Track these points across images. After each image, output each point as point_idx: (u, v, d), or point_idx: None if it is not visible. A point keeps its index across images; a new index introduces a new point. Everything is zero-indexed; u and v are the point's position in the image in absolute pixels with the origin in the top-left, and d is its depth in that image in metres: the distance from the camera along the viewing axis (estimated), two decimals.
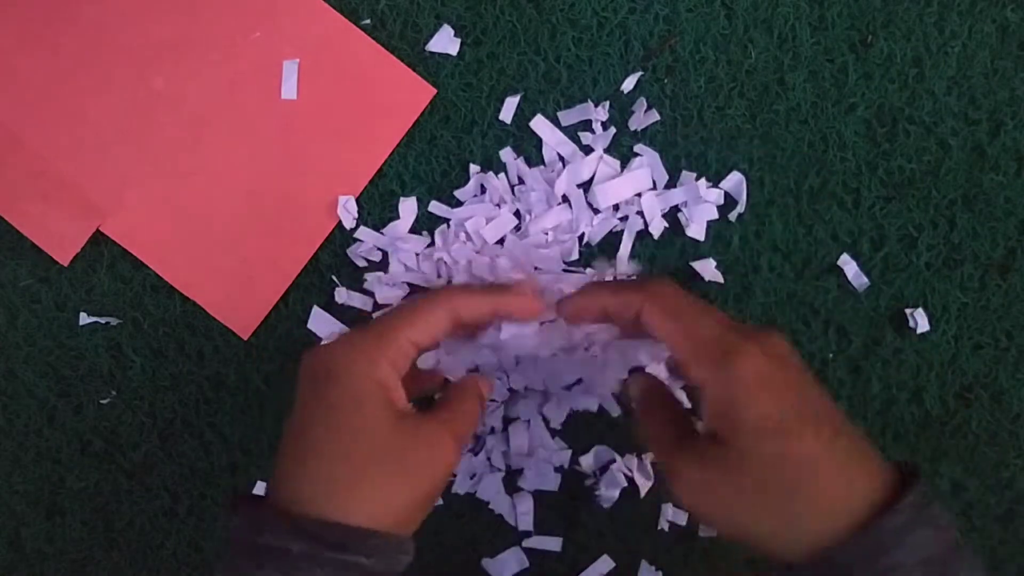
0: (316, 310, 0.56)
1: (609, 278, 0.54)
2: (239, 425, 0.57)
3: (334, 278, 0.56)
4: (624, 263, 0.55)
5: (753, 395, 0.35)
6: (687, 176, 0.55)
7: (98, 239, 0.56)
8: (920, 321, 0.55)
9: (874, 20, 0.55)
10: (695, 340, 0.37)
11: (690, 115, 0.56)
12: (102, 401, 0.57)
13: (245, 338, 0.56)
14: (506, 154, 0.55)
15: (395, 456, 0.38)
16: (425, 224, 0.56)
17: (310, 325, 0.56)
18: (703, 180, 0.55)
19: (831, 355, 0.57)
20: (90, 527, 0.58)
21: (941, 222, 0.56)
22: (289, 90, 0.55)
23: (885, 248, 0.56)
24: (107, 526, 0.58)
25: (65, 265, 0.56)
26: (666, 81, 0.56)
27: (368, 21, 0.56)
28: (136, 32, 0.55)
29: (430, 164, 0.56)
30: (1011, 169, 0.56)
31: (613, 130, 0.55)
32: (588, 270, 0.55)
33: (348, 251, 0.56)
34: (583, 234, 0.55)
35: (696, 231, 0.55)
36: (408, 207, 0.56)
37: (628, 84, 0.55)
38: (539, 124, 0.55)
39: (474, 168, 0.56)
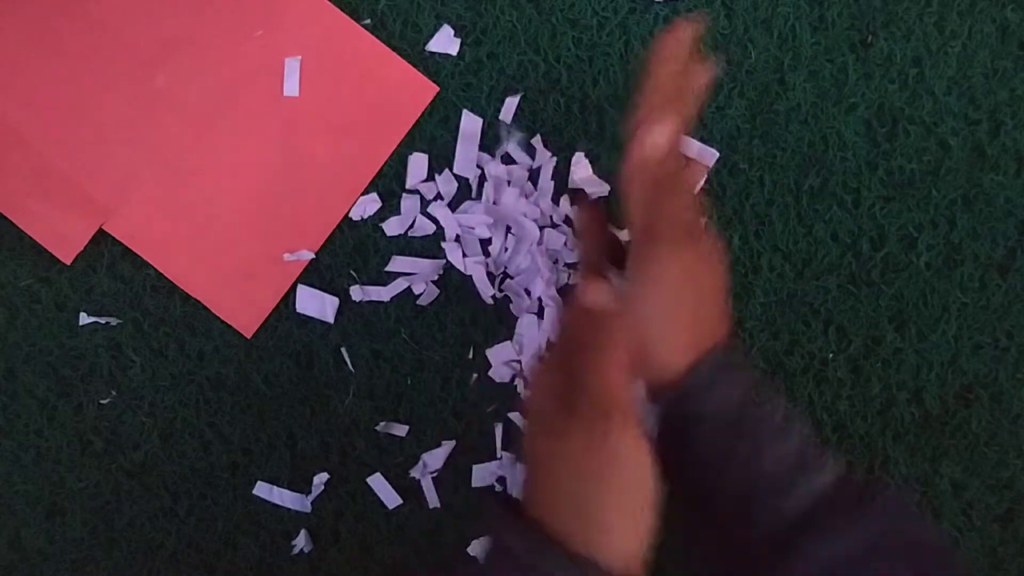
0: (301, 289, 0.56)
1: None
2: (239, 425, 0.57)
3: (353, 272, 0.56)
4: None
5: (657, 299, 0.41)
6: None
7: (98, 239, 0.56)
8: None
9: (874, 20, 0.55)
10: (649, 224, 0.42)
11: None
12: (102, 401, 0.57)
13: (248, 336, 0.56)
14: (495, 166, 0.55)
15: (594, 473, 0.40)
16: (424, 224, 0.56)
17: (299, 308, 0.56)
18: None
19: (831, 355, 0.57)
20: (90, 527, 0.58)
21: (941, 222, 0.56)
22: (291, 87, 0.55)
23: (885, 248, 0.56)
24: (107, 526, 0.58)
25: (68, 263, 0.56)
26: None
27: (368, 21, 0.56)
28: (139, 31, 0.55)
29: (430, 164, 0.56)
30: (1011, 169, 0.56)
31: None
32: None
33: (383, 222, 0.56)
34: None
35: None
36: (410, 206, 0.56)
37: None
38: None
39: (475, 171, 0.56)
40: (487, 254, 0.56)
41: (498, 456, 0.57)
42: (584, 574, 0.37)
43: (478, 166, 0.56)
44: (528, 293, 0.56)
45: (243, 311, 0.56)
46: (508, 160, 0.56)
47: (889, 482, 0.40)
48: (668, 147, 0.42)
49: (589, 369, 0.39)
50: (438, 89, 0.56)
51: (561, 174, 0.56)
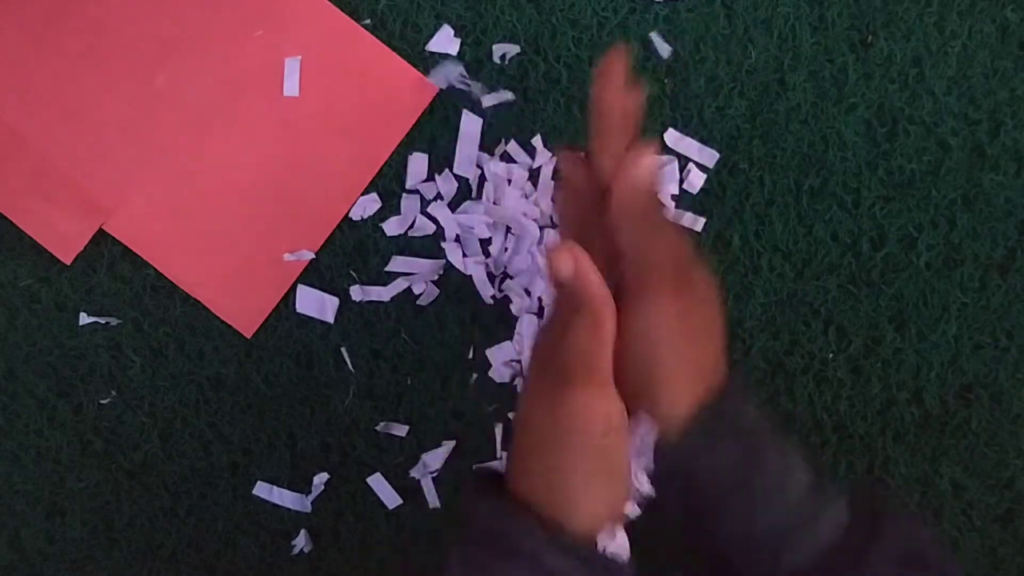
0: (301, 289, 0.56)
1: None
2: (239, 425, 0.57)
3: (353, 272, 0.56)
4: None
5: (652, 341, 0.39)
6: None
7: (98, 239, 0.56)
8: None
9: (874, 20, 0.55)
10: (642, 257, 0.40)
11: (690, 115, 0.56)
12: (102, 401, 0.57)
13: (248, 336, 0.56)
14: (494, 164, 0.55)
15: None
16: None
17: (299, 308, 0.56)
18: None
19: (831, 355, 0.57)
20: (90, 527, 0.58)
21: (941, 222, 0.56)
22: (291, 88, 0.55)
23: (885, 248, 0.56)
24: (107, 526, 0.58)
25: (68, 264, 0.56)
26: (666, 81, 0.56)
27: (368, 21, 0.56)
28: (138, 30, 0.55)
29: (430, 164, 0.56)
30: (1011, 169, 0.56)
31: None
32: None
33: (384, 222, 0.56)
34: None
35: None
36: (410, 206, 0.56)
37: None
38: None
39: (474, 171, 0.56)
40: (487, 254, 0.56)
41: (498, 456, 0.57)
42: (549, 539, 0.37)
43: (478, 166, 0.56)
44: (528, 293, 0.56)
45: (243, 311, 0.56)
46: (508, 160, 0.56)
47: (893, 524, 0.39)
48: (657, 175, 0.40)
49: (561, 333, 0.38)
50: (438, 89, 0.56)
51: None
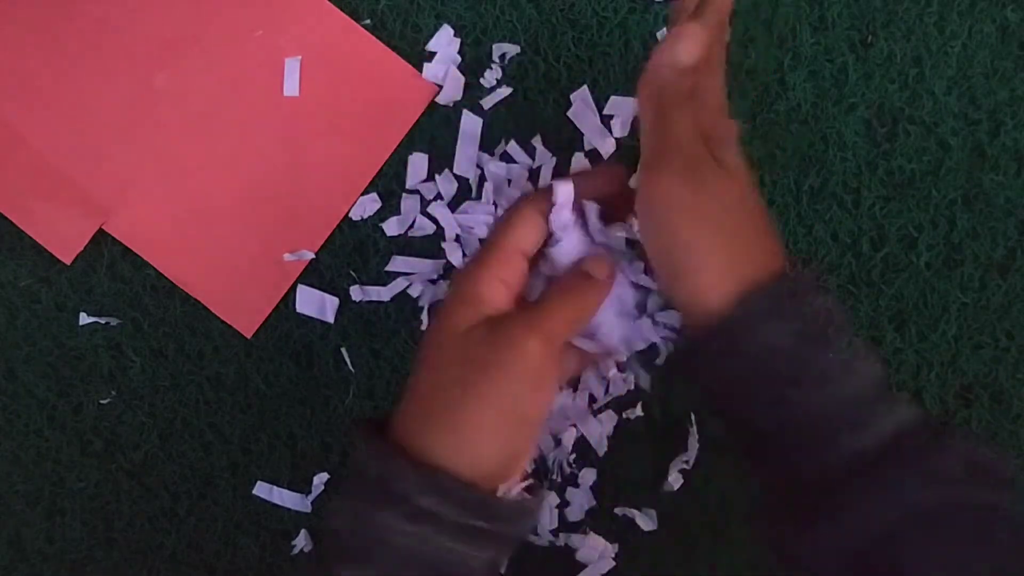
0: (301, 289, 0.56)
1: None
2: (239, 425, 0.57)
3: (353, 272, 0.56)
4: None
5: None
6: None
7: (98, 239, 0.56)
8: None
9: (874, 20, 0.55)
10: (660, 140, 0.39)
11: None
12: (102, 401, 0.57)
13: (248, 336, 0.56)
14: (494, 164, 0.55)
15: (477, 369, 0.36)
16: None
17: (299, 308, 0.56)
18: None
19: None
20: (90, 527, 0.58)
21: (941, 222, 0.56)
22: (291, 87, 0.55)
23: (885, 248, 0.56)
24: (107, 526, 0.58)
25: (68, 263, 0.56)
26: None
27: (368, 21, 0.56)
28: (138, 30, 0.55)
29: (430, 164, 0.56)
30: (1011, 169, 0.56)
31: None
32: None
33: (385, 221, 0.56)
34: None
35: None
36: (410, 206, 0.56)
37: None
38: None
39: (475, 171, 0.56)
40: None
41: None
42: (423, 479, 0.35)
43: (478, 166, 0.56)
44: None
45: (243, 311, 0.56)
46: (508, 160, 0.56)
47: (958, 436, 0.36)
48: (692, 61, 0.38)
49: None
50: (438, 89, 0.56)
51: (561, 174, 0.56)
